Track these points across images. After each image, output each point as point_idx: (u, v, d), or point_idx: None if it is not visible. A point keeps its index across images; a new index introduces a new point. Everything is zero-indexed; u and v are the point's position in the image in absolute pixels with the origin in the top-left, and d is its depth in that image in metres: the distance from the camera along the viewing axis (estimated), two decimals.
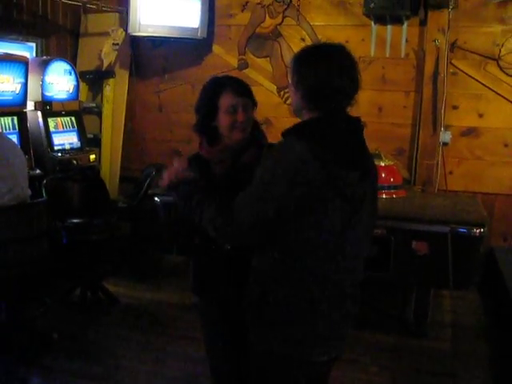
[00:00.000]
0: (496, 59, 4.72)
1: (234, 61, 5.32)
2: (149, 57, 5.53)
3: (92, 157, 4.97)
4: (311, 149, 1.83)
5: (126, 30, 5.12)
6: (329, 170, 1.83)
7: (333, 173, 1.84)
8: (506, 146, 4.77)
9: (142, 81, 5.58)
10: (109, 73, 5.36)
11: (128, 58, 5.47)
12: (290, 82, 2.06)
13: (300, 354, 1.98)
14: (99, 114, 5.48)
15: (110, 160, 5.49)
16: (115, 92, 5.46)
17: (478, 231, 3.52)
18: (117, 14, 5.32)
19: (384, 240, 3.65)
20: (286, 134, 1.93)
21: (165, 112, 5.58)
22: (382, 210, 3.36)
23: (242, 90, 2.22)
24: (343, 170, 1.86)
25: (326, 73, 1.94)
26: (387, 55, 4.88)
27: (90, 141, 5.20)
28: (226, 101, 2.18)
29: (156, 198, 4.10)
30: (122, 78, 5.48)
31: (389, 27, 4.83)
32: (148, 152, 5.64)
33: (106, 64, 5.22)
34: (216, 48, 5.36)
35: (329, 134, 1.92)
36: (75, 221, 4.25)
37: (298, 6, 5.08)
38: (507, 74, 4.70)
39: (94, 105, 5.46)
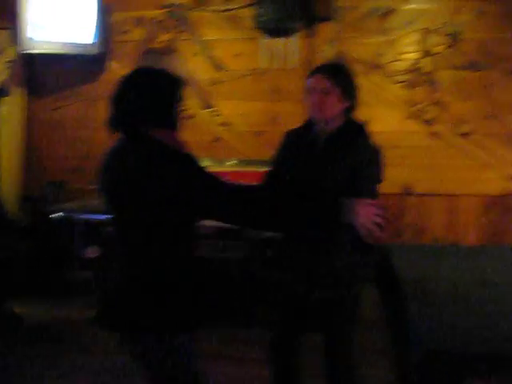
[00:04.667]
0: (379, 68, 5.03)
1: None
2: (45, 74, 5.49)
3: None
4: None
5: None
6: None
7: None
8: (394, 148, 5.06)
9: (39, 98, 5.54)
10: (2, 92, 5.29)
11: (22, 76, 5.41)
12: (331, 93, 2.56)
13: None
14: None
15: (9, 179, 5.41)
16: (11, 111, 5.39)
17: None
18: (9, 32, 5.27)
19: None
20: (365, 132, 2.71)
21: (63, 129, 5.55)
22: None
23: None
24: None
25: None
26: (278, 67, 5.07)
27: None
28: None
29: (56, 215, 4.12)
30: (17, 96, 5.42)
31: (279, 40, 5.03)
32: (47, 170, 5.58)
33: None
34: (112, 64, 5.41)
35: None
36: None
37: (191, 21, 5.21)
38: (390, 81, 5.02)
39: None
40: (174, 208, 1.95)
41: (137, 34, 5.34)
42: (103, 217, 4.27)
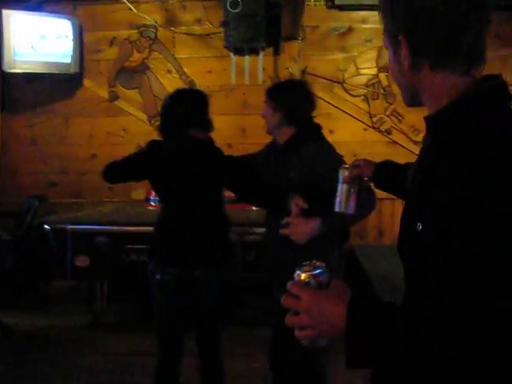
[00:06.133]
0: (341, 82, 5.44)
1: (104, 93, 5.62)
2: (21, 91, 5.66)
3: None
4: None
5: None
6: None
7: None
8: (355, 156, 5.46)
9: (14, 115, 5.69)
10: None
11: None
12: (266, 107, 2.94)
13: None
14: None
15: None
16: None
17: None
18: None
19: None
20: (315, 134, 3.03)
21: (39, 145, 5.72)
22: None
23: None
24: None
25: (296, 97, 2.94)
26: (246, 83, 5.41)
27: None
28: None
29: (46, 226, 4.34)
30: None
31: (246, 58, 5.37)
32: (23, 185, 5.71)
33: None
34: (87, 82, 5.63)
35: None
36: None
37: (163, 40, 5.51)
38: (351, 95, 5.44)
39: None
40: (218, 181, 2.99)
41: (110, 53, 5.59)
42: (91, 227, 4.52)
